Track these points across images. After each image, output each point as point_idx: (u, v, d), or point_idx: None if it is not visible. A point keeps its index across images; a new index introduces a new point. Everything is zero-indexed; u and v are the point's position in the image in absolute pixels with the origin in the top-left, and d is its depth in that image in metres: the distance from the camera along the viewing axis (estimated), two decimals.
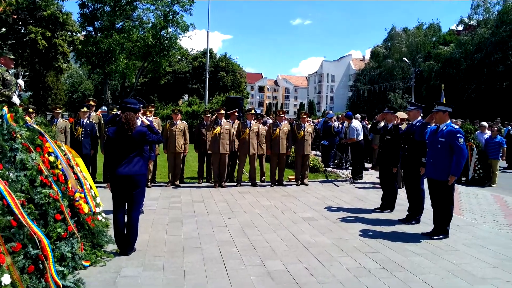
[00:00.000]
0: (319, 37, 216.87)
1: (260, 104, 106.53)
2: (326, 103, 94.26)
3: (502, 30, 33.92)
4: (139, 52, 31.62)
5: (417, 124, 6.29)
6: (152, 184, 8.92)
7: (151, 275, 4.05)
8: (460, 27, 44.11)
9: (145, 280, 3.91)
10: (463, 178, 11.19)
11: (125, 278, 3.96)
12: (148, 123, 4.94)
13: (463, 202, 8.10)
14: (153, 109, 8.79)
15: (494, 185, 10.71)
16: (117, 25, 30.95)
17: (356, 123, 11.03)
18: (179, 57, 43.85)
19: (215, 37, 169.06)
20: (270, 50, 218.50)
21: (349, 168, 11.38)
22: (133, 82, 34.54)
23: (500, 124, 15.70)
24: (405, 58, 43.12)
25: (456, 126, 5.55)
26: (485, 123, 12.18)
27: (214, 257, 4.58)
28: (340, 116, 15.04)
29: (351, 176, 10.74)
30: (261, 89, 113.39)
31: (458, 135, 5.37)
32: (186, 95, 47.27)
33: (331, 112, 17.40)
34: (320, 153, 13.95)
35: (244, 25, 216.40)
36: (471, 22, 40.46)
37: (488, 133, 11.50)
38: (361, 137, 10.90)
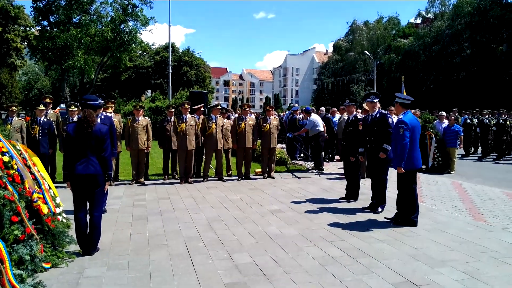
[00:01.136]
0: (283, 30, 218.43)
1: (226, 99, 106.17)
2: (292, 97, 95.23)
3: (458, 22, 35.34)
4: (98, 47, 30.65)
5: (377, 115, 6.44)
6: (115, 182, 8.69)
7: (116, 274, 3.95)
8: (418, 20, 45.68)
9: (110, 280, 3.81)
10: (423, 166, 11.59)
11: (89, 278, 3.85)
12: None
13: (424, 189, 8.39)
14: (113, 105, 8.56)
15: (453, 172, 11.16)
16: (74, 19, 29.84)
17: (315, 116, 11.42)
18: (140, 52, 42.87)
19: (177, 31, 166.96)
20: (235, 44, 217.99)
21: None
22: (92, 78, 33.47)
23: (457, 114, 16.37)
24: (366, 51, 44.14)
25: (400, 117, 5.66)
26: (443, 113, 12.63)
27: (181, 253, 4.52)
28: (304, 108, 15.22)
29: (312, 167, 10.90)
30: (226, 83, 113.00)
31: (400, 125, 5.51)
32: (149, 91, 46.32)
33: (296, 105, 17.61)
34: (286, 146, 14.07)
35: (207, 19, 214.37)
36: (429, 15, 41.98)
37: (446, 122, 11.94)
38: (320, 129, 11.15)
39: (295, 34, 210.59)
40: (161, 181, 9.23)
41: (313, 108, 15.17)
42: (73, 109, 8.63)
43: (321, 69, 64.24)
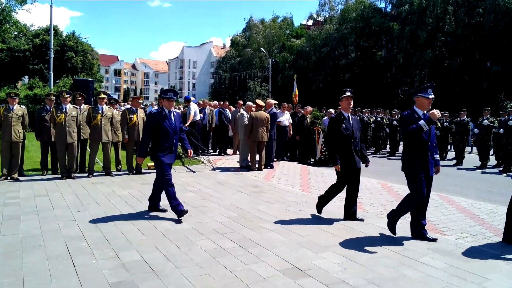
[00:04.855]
0: (179, 21, 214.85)
1: (117, 89, 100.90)
2: (189, 89, 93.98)
3: (344, 27, 38.33)
4: None
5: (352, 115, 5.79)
6: None
7: None
8: (310, 22, 48.39)
9: None
10: (312, 160, 12.37)
11: None
12: None
13: (311, 181, 8.93)
14: None
15: None
16: None
17: (193, 106, 12.80)
18: (15, 33, 38.15)
19: (61, 13, 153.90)
20: (127, 31, 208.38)
21: (210, 153, 11.59)
22: None
23: None
24: (262, 49, 45.53)
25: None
26: (331, 110, 13.54)
27: (60, 254, 4.12)
28: (201, 102, 15.14)
29: (208, 160, 10.92)
30: (117, 72, 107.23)
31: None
32: (26, 77, 41.46)
33: (193, 98, 17.40)
34: None
35: (96, 2, 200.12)
36: (319, 18, 44.76)
37: None
38: (197, 118, 12.64)
39: (192, 26, 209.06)
40: (39, 176, 8.35)
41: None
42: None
43: (218, 63, 64.42)
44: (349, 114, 5.69)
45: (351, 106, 5.73)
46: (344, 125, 5.55)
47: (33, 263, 3.88)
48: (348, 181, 5.64)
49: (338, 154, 5.53)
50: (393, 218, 4.97)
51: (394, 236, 4.96)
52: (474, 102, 25.85)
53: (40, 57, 39.04)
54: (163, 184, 5.56)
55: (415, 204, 4.82)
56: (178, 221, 5.40)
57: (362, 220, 5.65)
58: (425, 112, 4.77)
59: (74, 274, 3.67)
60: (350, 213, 5.70)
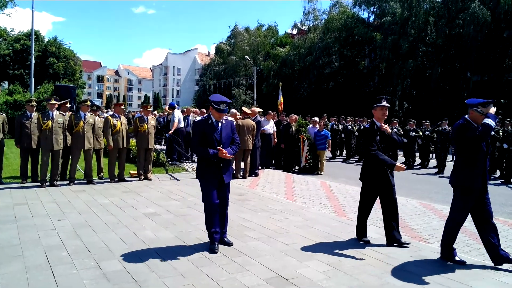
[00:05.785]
0: (164, 28, 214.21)
1: (100, 95, 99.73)
2: (173, 96, 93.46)
3: (328, 36, 38.72)
4: None
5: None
6: None
7: None
8: (294, 31, 48.80)
9: None
10: (297, 168, 12.40)
11: None
12: None
13: (296, 189, 8.93)
14: None
15: (322, 173, 12.14)
16: None
17: (178, 113, 12.82)
18: None
19: (43, 18, 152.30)
20: (110, 37, 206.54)
21: (194, 161, 11.50)
22: None
23: (326, 119, 17.90)
24: (247, 56, 45.66)
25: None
26: (316, 119, 13.62)
27: (39, 264, 4.02)
28: (185, 109, 15.10)
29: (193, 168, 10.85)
30: (100, 79, 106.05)
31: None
32: (6, 82, 40.65)
33: (177, 105, 17.35)
34: (165, 147, 13.73)
35: (79, 8, 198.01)
36: (303, 27, 45.13)
37: (318, 127, 12.93)
38: (181, 125, 12.79)
39: (177, 33, 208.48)
40: (19, 184, 8.15)
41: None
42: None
43: (203, 70, 64.29)
44: (382, 124, 5.12)
45: (386, 117, 5.13)
46: (378, 136, 5.00)
47: (12, 274, 3.78)
48: (382, 200, 5.06)
49: (371, 168, 4.98)
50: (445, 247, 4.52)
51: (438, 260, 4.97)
52: (455, 111, 26.33)
53: (21, 62, 38.37)
54: (205, 206, 4.87)
55: (452, 227, 4.42)
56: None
57: (408, 244, 4.98)
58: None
59: (54, 284, 3.58)
60: (391, 236, 5.02)
